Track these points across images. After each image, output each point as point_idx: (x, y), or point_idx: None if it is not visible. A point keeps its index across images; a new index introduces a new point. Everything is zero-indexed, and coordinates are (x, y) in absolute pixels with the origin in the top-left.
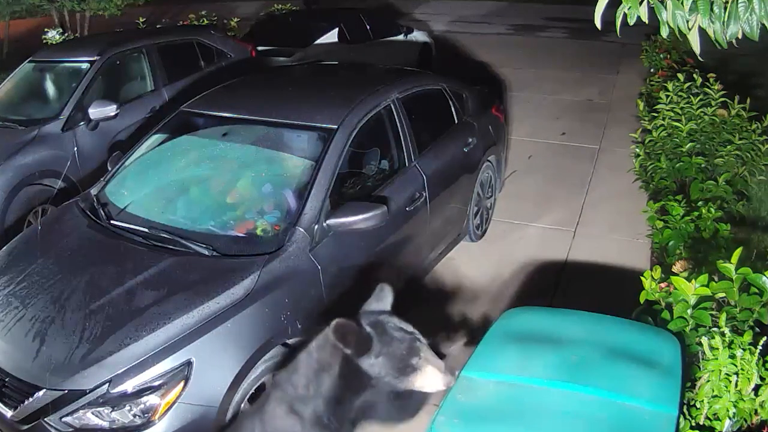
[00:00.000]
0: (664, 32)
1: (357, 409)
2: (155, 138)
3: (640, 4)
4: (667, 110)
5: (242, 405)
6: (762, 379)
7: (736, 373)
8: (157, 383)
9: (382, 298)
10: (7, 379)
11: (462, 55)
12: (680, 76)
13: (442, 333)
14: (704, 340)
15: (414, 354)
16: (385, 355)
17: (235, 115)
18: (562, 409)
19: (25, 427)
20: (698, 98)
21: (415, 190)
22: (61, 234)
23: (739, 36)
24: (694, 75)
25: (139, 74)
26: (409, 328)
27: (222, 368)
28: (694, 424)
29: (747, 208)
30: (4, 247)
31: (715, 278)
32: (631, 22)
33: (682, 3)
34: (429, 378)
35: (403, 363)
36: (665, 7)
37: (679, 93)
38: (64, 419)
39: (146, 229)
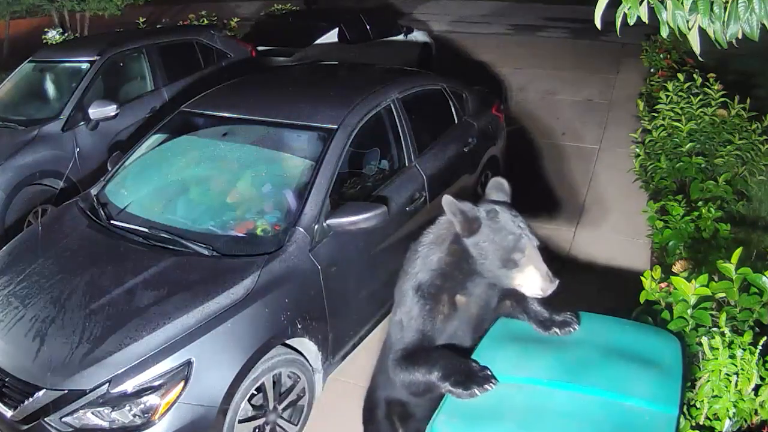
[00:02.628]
0: (664, 32)
1: (458, 290)
2: (155, 138)
3: (640, 4)
4: (667, 110)
5: (242, 405)
6: (762, 379)
7: (736, 373)
8: (157, 383)
9: (501, 189)
10: (7, 379)
11: (462, 55)
12: (680, 76)
13: None
14: (704, 340)
15: (518, 250)
16: (491, 241)
17: (235, 115)
18: (562, 409)
19: (25, 427)
20: (698, 98)
21: (415, 190)
22: (61, 234)
23: (739, 36)
24: (694, 75)
25: (139, 74)
26: (523, 224)
27: (222, 368)
28: (694, 424)
29: (747, 208)
30: (4, 247)
31: (715, 278)
32: (631, 22)
33: (682, 3)
34: (529, 278)
35: (507, 255)
36: (665, 7)
37: (679, 93)
38: (64, 419)
39: (146, 229)
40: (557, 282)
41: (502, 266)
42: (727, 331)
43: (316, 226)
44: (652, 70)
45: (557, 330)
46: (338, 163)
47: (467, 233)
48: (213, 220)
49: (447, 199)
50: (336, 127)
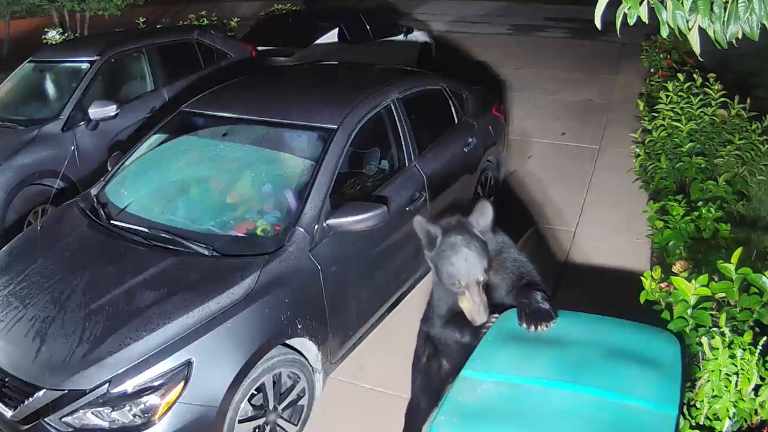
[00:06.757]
0: (664, 32)
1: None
2: (155, 138)
3: (640, 4)
4: (667, 110)
5: (242, 405)
6: (762, 379)
7: (736, 373)
8: (157, 383)
9: (483, 214)
10: (7, 379)
11: (462, 55)
12: (680, 76)
13: None
14: (704, 340)
15: (455, 278)
16: (438, 262)
17: (235, 115)
18: (562, 408)
19: (25, 427)
20: (698, 98)
21: (415, 190)
22: (61, 234)
23: (739, 36)
24: (694, 75)
25: (139, 74)
26: (473, 253)
27: (222, 368)
28: (694, 424)
29: (747, 208)
30: (4, 247)
31: (715, 278)
32: (631, 22)
33: (682, 3)
34: (465, 305)
35: (448, 280)
36: (665, 7)
37: (679, 93)
38: (64, 419)
39: (146, 229)
40: (492, 317)
41: (449, 286)
42: (727, 331)
43: (316, 226)
44: (652, 70)
45: (524, 324)
46: (338, 163)
47: (426, 248)
48: (213, 220)
49: (416, 219)
50: (336, 127)
